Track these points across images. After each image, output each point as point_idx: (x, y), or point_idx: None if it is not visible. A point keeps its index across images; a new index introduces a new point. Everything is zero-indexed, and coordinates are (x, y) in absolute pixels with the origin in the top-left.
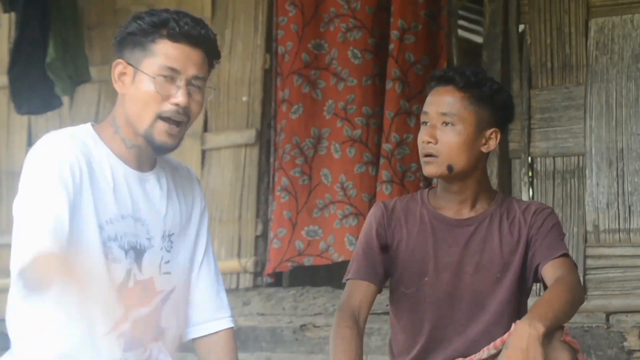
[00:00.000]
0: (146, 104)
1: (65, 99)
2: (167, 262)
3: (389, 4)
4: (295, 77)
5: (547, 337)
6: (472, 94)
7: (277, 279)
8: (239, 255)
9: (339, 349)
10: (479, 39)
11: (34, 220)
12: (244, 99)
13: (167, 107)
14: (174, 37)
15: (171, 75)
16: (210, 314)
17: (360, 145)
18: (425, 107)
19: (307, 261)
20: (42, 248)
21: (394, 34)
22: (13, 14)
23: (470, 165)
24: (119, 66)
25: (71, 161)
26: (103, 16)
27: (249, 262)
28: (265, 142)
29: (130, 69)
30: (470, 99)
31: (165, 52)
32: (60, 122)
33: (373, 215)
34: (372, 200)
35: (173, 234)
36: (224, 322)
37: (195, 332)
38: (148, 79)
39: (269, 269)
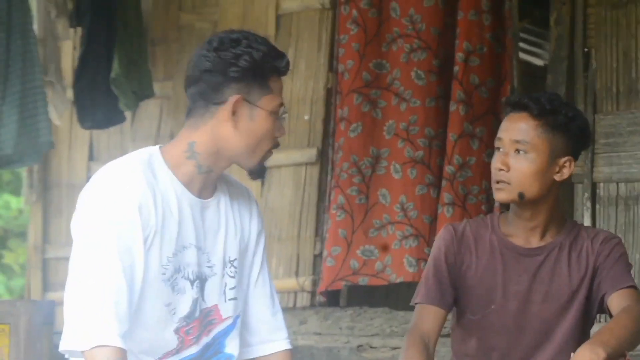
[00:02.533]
0: (264, 139)
1: (127, 114)
2: (232, 288)
3: (454, 25)
4: (355, 96)
5: None
6: (547, 121)
7: (334, 299)
8: (297, 274)
9: None
10: (538, 62)
11: (96, 296)
12: (306, 117)
13: (276, 139)
14: (281, 73)
15: (282, 110)
16: (266, 335)
17: (422, 167)
18: (499, 133)
19: (362, 281)
20: (102, 340)
21: (459, 56)
22: (79, 29)
23: (542, 193)
24: (237, 103)
25: (139, 201)
26: (167, 32)
27: (306, 281)
28: (326, 161)
29: (245, 105)
30: (545, 127)
31: (277, 88)
32: (121, 137)
33: (442, 238)
34: (432, 222)
35: (235, 259)
36: (281, 344)
37: (250, 353)
38: (267, 115)
39: (321, 286)
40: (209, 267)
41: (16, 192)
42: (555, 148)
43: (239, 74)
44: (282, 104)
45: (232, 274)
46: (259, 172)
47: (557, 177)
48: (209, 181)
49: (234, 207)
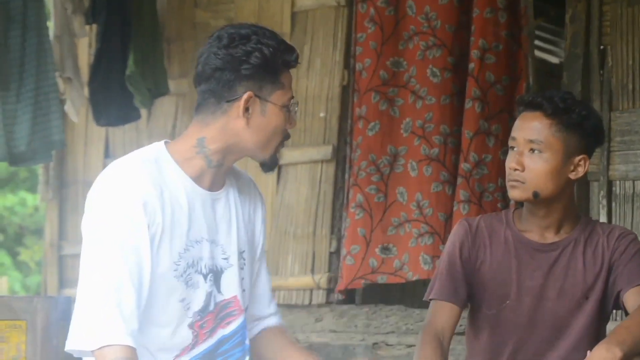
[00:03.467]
0: (276, 134)
1: (142, 112)
2: (243, 279)
3: (469, 23)
4: (373, 94)
5: None
6: (561, 120)
7: (350, 297)
8: (312, 272)
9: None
10: (553, 59)
11: (103, 295)
12: (321, 115)
13: (287, 131)
14: (291, 66)
15: (293, 103)
16: (262, 310)
17: (437, 164)
18: (513, 132)
19: (381, 279)
20: (110, 339)
21: (475, 53)
22: (95, 26)
23: (557, 192)
24: (248, 99)
25: (144, 199)
26: (182, 30)
27: (322, 279)
28: (341, 158)
29: (257, 101)
30: (559, 126)
31: (288, 83)
32: (137, 135)
33: (456, 233)
34: (448, 219)
35: (244, 251)
36: (276, 317)
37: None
38: (279, 110)
39: (340, 285)
40: (224, 259)
41: (32, 189)
42: (569, 147)
43: (251, 70)
44: (292, 97)
45: (242, 266)
46: (271, 165)
47: (572, 176)
48: (219, 175)
49: (242, 198)
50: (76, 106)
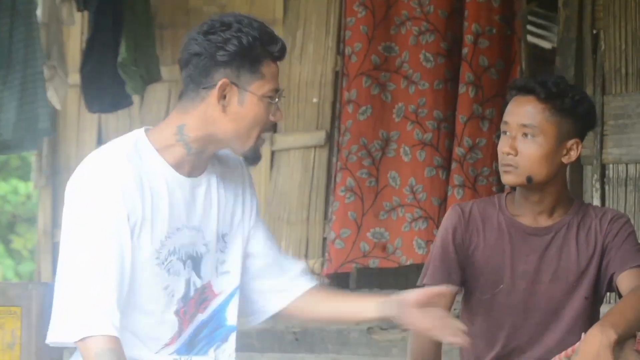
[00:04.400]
0: (256, 124)
1: (135, 98)
2: (223, 262)
3: (462, 8)
4: (364, 79)
5: (619, 345)
6: (554, 105)
7: (344, 282)
8: (306, 257)
9: (415, 345)
10: (546, 44)
11: (84, 286)
12: (314, 100)
13: (269, 123)
14: (275, 57)
15: (276, 95)
16: (282, 280)
17: (431, 149)
18: (506, 117)
19: (373, 263)
20: (94, 330)
21: (468, 37)
22: (86, 13)
23: (550, 176)
24: (225, 87)
25: (123, 188)
26: (175, 16)
27: (316, 264)
28: (334, 144)
29: (235, 89)
30: (552, 110)
31: (270, 74)
32: (130, 121)
33: (449, 219)
34: (442, 204)
35: (226, 233)
36: (300, 285)
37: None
38: (258, 101)
39: (329, 269)
40: (204, 244)
41: (24, 177)
42: (562, 131)
43: (227, 57)
44: (276, 89)
45: (222, 249)
46: (252, 158)
47: (565, 160)
48: (199, 162)
49: (225, 181)
50: (59, 94)
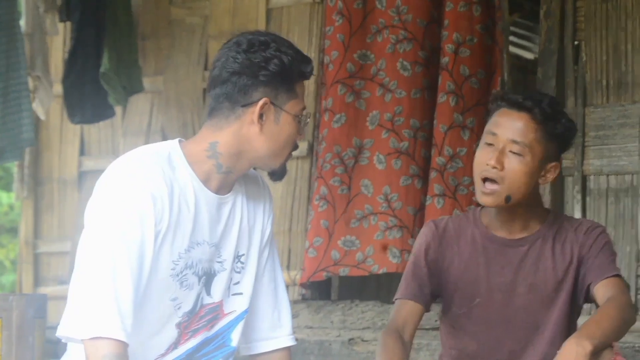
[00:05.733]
0: (288, 143)
1: (118, 109)
2: (237, 283)
3: (440, 17)
4: (339, 87)
5: (595, 356)
6: (546, 127)
7: (326, 292)
8: (288, 268)
9: (383, 355)
10: (528, 55)
11: (102, 287)
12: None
13: (296, 142)
14: (306, 77)
15: (304, 113)
16: (267, 332)
17: (406, 158)
18: (493, 128)
19: (343, 272)
20: (104, 331)
21: (449, 47)
22: (69, 24)
23: (527, 195)
24: (264, 105)
25: (154, 193)
26: (157, 27)
27: (298, 275)
28: (314, 153)
29: (272, 108)
30: (544, 133)
31: (301, 93)
32: (112, 132)
33: (423, 235)
34: (417, 213)
35: (243, 254)
36: (279, 341)
37: (251, 349)
38: (292, 120)
39: (303, 277)
40: (219, 262)
41: (7, 187)
42: (548, 154)
43: (268, 77)
44: (304, 108)
45: (238, 270)
46: (280, 174)
47: (541, 181)
48: (227, 180)
49: (249, 202)
50: (44, 105)
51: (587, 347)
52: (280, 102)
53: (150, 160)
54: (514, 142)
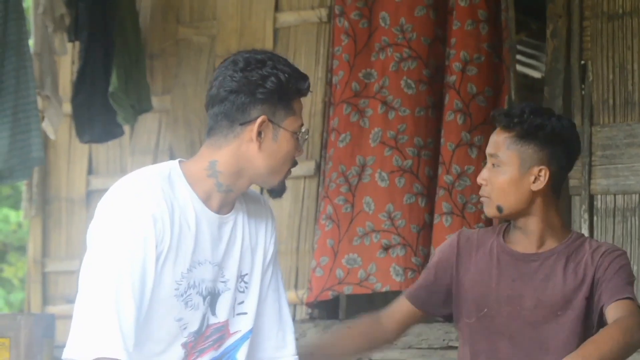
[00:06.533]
0: (287, 160)
1: (126, 128)
2: (241, 302)
3: (444, 36)
4: (345, 106)
5: None
6: (516, 132)
7: (334, 312)
8: (296, 287)
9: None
10: (535, 74)
11: (103, 307)
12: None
13: (296, 159)
14: (303, 94)
15: (303, 130)
16: (272, 352)
17: (410, 176)
18: (486, 148)
19: (347, 290)
20: (105, 352)
21: (456, 65)
22: (77, 43)
23: (521, 204)
24: (262, 123)
25: (154, 214)
26: (165, 46)
27: (305, 294)
28: (321, 173)
29: (270, 126)
30: (513, 139)
31: (299, 110)
32: (120, 151)
33: (445, 243)
34: (420, 231)
35: (247, 274)
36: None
37: None
38: (290, 137)
39: (310, 297)
40: (222, 282)
41: (15, 206)
42: (524, 158)
43: (266, 95)
44: (302, 124)
45: (241, 289)
46: (280, 191)
47: (534, 187)
48: (228, 199)
49: (250, 221)
50: (54, 124)
51: None
52: (278, 119)
53: (150, 181)
54: (491, 155)
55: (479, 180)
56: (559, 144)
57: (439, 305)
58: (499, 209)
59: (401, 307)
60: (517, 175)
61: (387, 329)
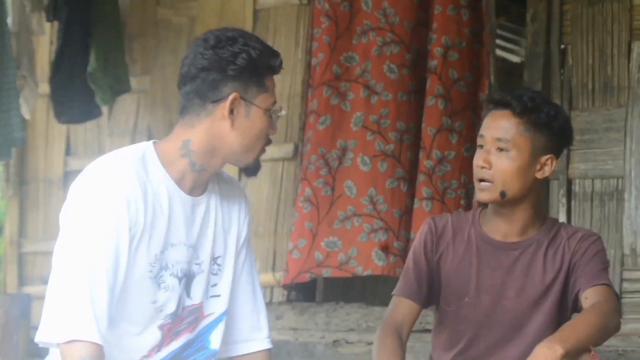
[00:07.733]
0: (260, 137)
1: (104, 109)
2: (214, 285)
3: (428, 20)
4: (325, 89)
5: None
6: (528, 119)
7: (310, 294)
8: (273, 269)
9: (382, 354)
10: (514, 58)
11: (77, 290)
12: (283, 112)
13: (270, 136)
14: (276, 71)
15: (276, 107)
16: (246, 333)
17: (392, 160)
18: (482, 131)
19: (326, 273)
20: (79, 334)
21: (438, 50)
22: (56, 23)
23: (524, 191)
24: (234, 100)
25: (128, 197)
26: (144, 27)
27: (283, 276)
28: (299, 155)
29: (242, 103)
30: (526, 125)
31: (272, 87)
32: (99, 132)
33: (423, 232)
34: (403, 215)
35: (220, 256)
36: (260, 343)
37: (230, 352)
38: (263, 114)
39: (286, 279)
40: (197, 264)
41: None
42: (536, 146)
43: (237, 72)
44: (275, 102)
45: (215, 272)
46: (254, 169)
47: (539, 175)
48: (201, 180)
49: (223, 204)
50: (30, 104)
51: (559, 350)
52: (250, 96)
53: (123, 163)
54: (498, 139)
55: (480, 162)
56: (567, 135)
57: (430, 296)
58: (503, 194)
59: (410, 310)
60: (527, 162)
61: (405, 339)
